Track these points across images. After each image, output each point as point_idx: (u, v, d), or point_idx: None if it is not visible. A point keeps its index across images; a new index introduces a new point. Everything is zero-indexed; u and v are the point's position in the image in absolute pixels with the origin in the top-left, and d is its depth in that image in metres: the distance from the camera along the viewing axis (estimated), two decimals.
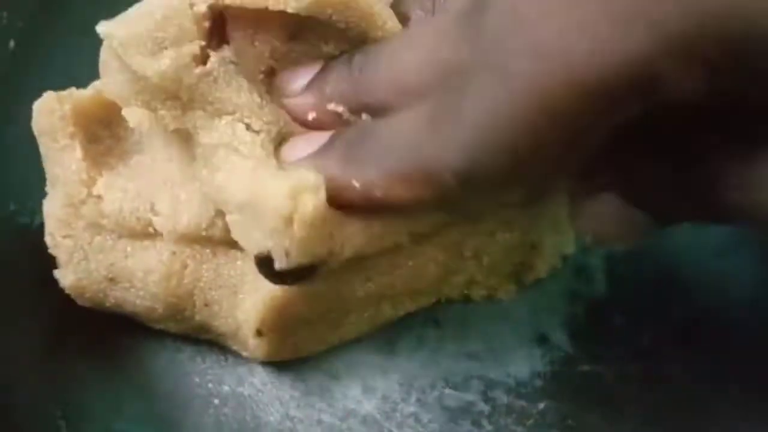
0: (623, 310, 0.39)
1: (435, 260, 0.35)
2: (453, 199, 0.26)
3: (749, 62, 0.21)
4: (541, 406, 0.37)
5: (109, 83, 0.31)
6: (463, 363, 0.38)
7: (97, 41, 0.31)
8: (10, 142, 0.38)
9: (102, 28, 0.29)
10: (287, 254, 0.29)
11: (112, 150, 0.35)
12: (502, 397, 0.38)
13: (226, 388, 0.37)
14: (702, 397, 0.37)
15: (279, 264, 0.29)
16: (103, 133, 0.35)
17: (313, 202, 0.28)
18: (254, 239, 0.30)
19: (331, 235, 0.29)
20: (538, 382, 0.38)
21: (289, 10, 0.29)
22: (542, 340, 0.39)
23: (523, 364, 0.38)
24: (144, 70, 0.29)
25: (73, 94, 0.34)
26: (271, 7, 0.29)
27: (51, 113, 0.34)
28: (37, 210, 0.36)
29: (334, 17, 0.30)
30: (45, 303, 0.37)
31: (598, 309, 0.39)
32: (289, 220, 0.28)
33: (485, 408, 0.37)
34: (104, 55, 0.31)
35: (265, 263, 0.30)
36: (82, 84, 0.36)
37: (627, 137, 0.24)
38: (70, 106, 0.34)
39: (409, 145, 0.26)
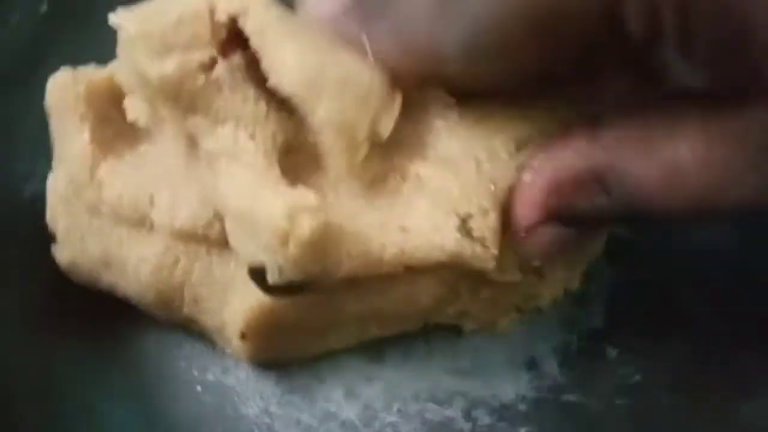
0: (618, 342, 0.39)
1: (427, 292, 0.34)
2: (455, 75, 0.29)
3: None
4: (522, 431, 0.37)
5: (120, 68, 0.31)
6: (449, 379, 0.38)
7: None
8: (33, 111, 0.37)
9: (114, 18, 0.29)
10: (280, 271, 0.29)
11: (122, 134, 0.34)
12: (484, 418, 0.38)
13: (210, 376, 0.38)
14: None
15: (272, 279, 0.29)
16: (115, 115, 0.34)
17: (310, 224, 0.27)
18: (249, 250, 0.29)
19: (326, 256, 0.29)
20: (522, 407, 0.38)
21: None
22: (532, 364, 0.39)
23: (509, 387, 0.38)
24: (146, 70, 0.28)
25: (89, 73, 0.33)
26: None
27: (64, 90, 0.33)
28: (42, 180, 0.36)
29: None
30: (41, 274, 0.37)
31: (593, 339, 0.39)
32: (284, 239, 0.28)
33: (465, 426, 0.37)
34: (120, 40, 0.31)
35: (258, 274, 0.30)
36: (108, 57, 0.34)
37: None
38: (84, 86, 0.33)
39: (421, 21, 0.28)
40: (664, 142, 0.28)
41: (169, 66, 0.28)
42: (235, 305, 0.34)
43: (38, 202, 0.36)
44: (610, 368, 0.39)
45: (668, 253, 0.40)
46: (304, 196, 0.28)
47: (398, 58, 0.29)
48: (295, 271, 0.29)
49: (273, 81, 0.29)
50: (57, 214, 0.34)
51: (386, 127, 0.30)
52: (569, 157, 0.30)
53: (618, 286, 0.40)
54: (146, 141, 0.34)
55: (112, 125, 0.34)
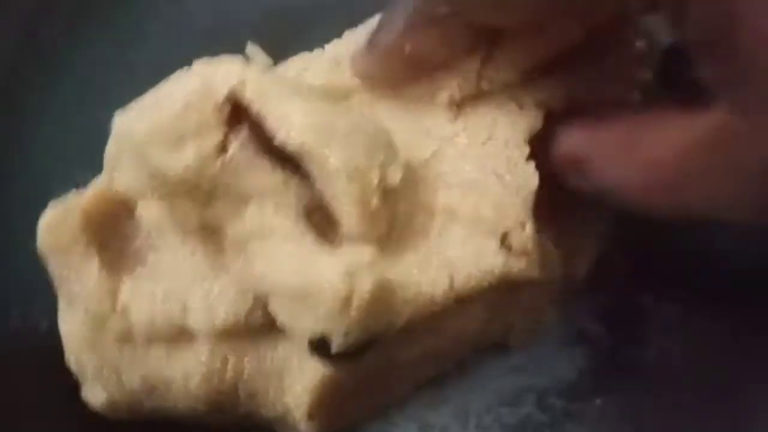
0: (652, 288, 0.40)
1: (476, 318, 0.34)
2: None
3: None
4: (598, 402, 0.38)
5: (122, 178, 0.29)
6: (511, 378, 0.38)
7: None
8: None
9: (119, 124, 0.27)
10: (346, 335, 0.28)
11: (124, 252, 0.32)
12: (558, 403, 0.38)
13: None
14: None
15: (338, 346, 0.28)
16: (111, 235, 0.32)
17: (370, 279, 0.27)
18: (307, 324, 0.28)
19: (387, 308, 0.28)
20: (588, 379, 0.38)
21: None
22: (581, 337, 0.39)
23: (568, 365, 0.38)
24: (167, 165, 0.27)
25: (76, 201, 0.31)
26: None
27: (59, 228, 0.31)
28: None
29: None
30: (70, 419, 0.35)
31: (628, 294, 0.40)
32: (347, 302, 0.27)
33: (543, 417, 0.37)
34: (113, 148, 0.29)
35: (319, 346, 0.29)
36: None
37: None
38: (78, 216, 0.31)
39: None
40: (646, 142, 0.29)
41: (187, 155, 0.27)
42: (295, 389, 0.32)
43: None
44: (651, 313, 0.39)
45: None
46: (357, 254, 0.27)
47: None
48: (360, 331, 0.28)
49: (280, 137, 0.28)
50: (80, 356, 0.32)
51: (395, 174, 0.30)
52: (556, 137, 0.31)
53: (628, 237, 0.40)
54: (151, 250, 0.33)
55: (112, 246, 0.32)
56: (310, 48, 0.39)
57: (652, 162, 0.28)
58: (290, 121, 0.28)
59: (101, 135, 0.41)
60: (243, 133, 0.28)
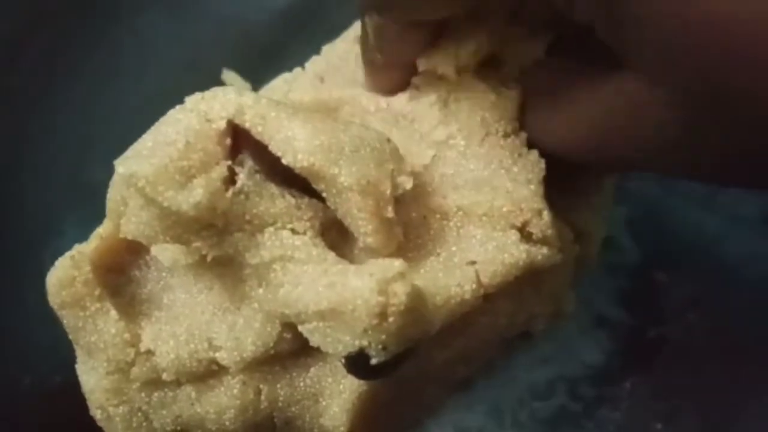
0: (663, 266, 0.40)
1: (503, 312, 0.34)
2: None
3: None
4: (628, 385, 0.38)
5: (131, 223, 0.28)
6: (539, 370, 0.38)
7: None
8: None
9: (123, 168, 0.26)
10: (384, 348, 0.27)
11: (137, 297, 0.31)
12: (590, 390, 0.38)
13: None
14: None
15: (377, 359, 0.28)
16: (122, 282, 0.31)
17: (404, 289, 0.26)
18: (342, 342, 0.28)
19: (422, 316, 0.28)
20: (615, 362, 0.38)
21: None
22: (602, 321, 0.39)
23: (594, 351, 0.39)
24: (178, 205, 0.26)
25: (84, 251, 0.30)
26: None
27: (72, 282, 0.30)
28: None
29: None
30: None
31: (639, 272, 0.40)
32: (382, 314, 0.26)
33: (577, 406, 0.38)
34: (117, 194, 0.28)
35: (357, 362, 0.29)
36: None
37: None
38: (89, 266, 0.30)
39: None
40: (583, 100, 0.30)
41: (197, 192, 0.26)
42: (332, 410, 0.32)
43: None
44: (667, 290, 0.40)
45: None
46: (387, 266, 0.26)
47: None
48: (398, 342, 0.27)
49: (288, 158, 0.27)
50: (107, 408, 0.31)
51: (406, 180, 0.30)
52: None
53: (635, 217, 0.41)
54: (165, 291, 0.32)
55: (124, 293, 0.31)
56: (287, 68, 0.38)
57: (578, 121, 0.30)
58: (295, 143, 0.28)
59: (87, 182, 0.40)
60: (248, 162, 0.28)
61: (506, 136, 0.33)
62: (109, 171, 0.29)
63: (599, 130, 0.29)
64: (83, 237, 0.32)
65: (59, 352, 0.34)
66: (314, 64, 0.38)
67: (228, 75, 0.45)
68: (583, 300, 0.39)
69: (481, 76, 0.35)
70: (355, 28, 0.38)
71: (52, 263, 0.31)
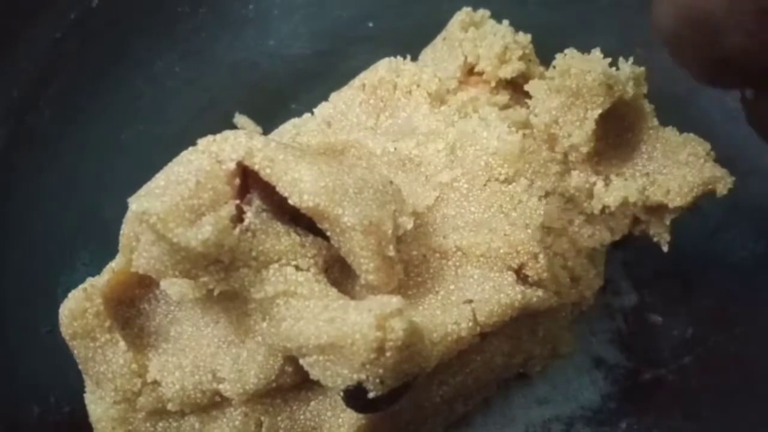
0: (657, 310, 0.41)
1: (499, 351, 0.35)
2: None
3: None
4: (623, 425, 0.38)
5: (142, 258, 0.29)
6: (536, 410, 0.39)
7: None
8: None
9: (136, 205, 0.28)
10: (382, 382, 0.28)
11: (145, 329, 0.33)
12: (585, 430, 0.38)
13: None
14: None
15: (374, 393, 0.29)
16: (132, 314, 0.33)
17: (401, 325, 0.27)
18: (341, 375, 0.29)
19: (419, 351, 0.29)
20: (612, 404, 0.39)
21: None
22: (599, 362, 0.40)
23: (591, 392, 0.39)
24: (187, 241, 0.27)
25: (97, 284, 0.32)
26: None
27: (83, 313, 0.31)
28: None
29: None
30: None
31: (635, 316, 0.41)
32: (380, 349, 0.27)
33: None
34: (130, 230, 0.30)
35: (355, 395, 0.30)
36: None
37: None
38: (100, 299, 0.31)
39: None
40: None
41: (206, 229, 0.27)
42: None
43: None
44: (662, 332, 0.40)
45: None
46: (385, 303, 0.28)
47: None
48: (395, 376, 0.28)
49: (294, 199, 0.29)
50: None
51: (407, 220, 0.31)
52: None
53: (628, 257, 0.42)
54: (172, 324, 0.33)
55: (133, 325, 0.33)
56: (297, 114, 0.40)
57: None
58: (301, 185, 0.29)
59: (100, 216, 0.42)
60: (256, 201, 0.29)
61: (508, 182, 0.34)
62: (123, 208, 0.30)
63: None
64: (96, 271, 0.34)
65: (68, 382, 0.35)
66: (322, 109, 0.40)
67: (240, 119, 0.47)
68: (580, 341, 0.40)
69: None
70: (362, 77, 0.40)
71: (64, 296, 0.33)
